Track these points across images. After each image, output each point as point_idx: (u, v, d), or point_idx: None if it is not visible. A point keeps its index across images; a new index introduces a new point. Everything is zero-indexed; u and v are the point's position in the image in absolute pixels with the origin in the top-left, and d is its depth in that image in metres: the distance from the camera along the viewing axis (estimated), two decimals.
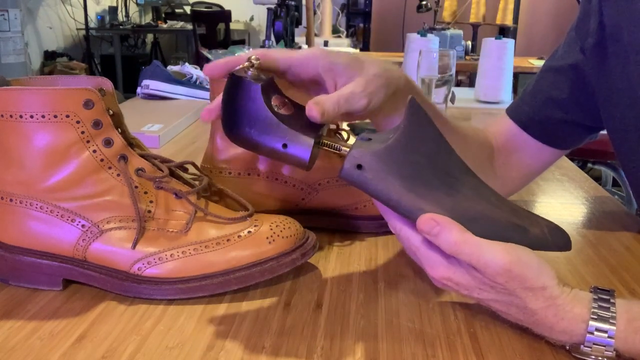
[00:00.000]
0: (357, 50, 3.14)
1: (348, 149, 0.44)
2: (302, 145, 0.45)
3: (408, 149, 0.44)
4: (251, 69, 0.46)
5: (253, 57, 0.46)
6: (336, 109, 0.48)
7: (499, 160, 0.73)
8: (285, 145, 0.45)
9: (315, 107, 0.47)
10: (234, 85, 0.46)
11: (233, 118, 0.46)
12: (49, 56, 4.97)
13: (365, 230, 0.66)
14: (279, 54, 0.52)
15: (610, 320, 0.42)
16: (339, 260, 0.60)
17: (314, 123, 0.47)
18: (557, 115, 0.70)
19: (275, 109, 0.46)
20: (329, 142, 0.47)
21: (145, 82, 1.46)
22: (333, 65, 0.52)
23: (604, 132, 0.71)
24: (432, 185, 0.44)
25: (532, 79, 0.75)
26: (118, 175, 0.52)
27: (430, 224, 0.42)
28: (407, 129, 0.44)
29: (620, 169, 2.04)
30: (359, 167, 0.43)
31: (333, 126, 0.68)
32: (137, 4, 5.75)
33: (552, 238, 0.46)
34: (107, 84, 0.54)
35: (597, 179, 2.26)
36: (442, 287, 0.46)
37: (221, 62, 0.51)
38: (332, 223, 0.66)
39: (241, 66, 0.46)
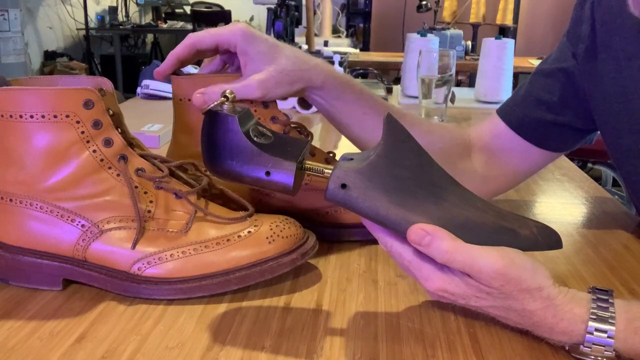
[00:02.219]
0: (357, 50, 3.15)
1: (331, 171, 0.44)
2: (285, 171, 0.46)
3: (390, 164, 0.44)
4: (226, 103, 0.47)
5: (227, 91, 0.47)
6: None
7: (480, 159, 0.74)
8: (268, 173, 0.46)
9: (200, 96, 0.56)
10: (212, 120, 0.47)
11: (214, 153, 0.47)
12: (49, 56, 4.96)
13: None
14: (207, 39, 0.60)
15: (610, 321, 0.42)
16: (339, 261, 0.60)
17: (295, 149, 0.47)
18: (548, 117, 0.70)
19: (255, 139, 0.47)
20: (311, 166, 0.47)
21: (145, 82, 1.46)
22: (248, 49, 0.59)
23: None
24: (418, 197, 0.44)
25: (524, 82, 0.75)
26: (118, 175, 0.52)
27: (420, 234, 0.42)
28: (386, 145, 0.45)
29: None
30: (344, 186, 0.43)
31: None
32: (137, 4, 5.74)
33: (542, 238, 0.46)
34: (107, 84, 0.54)
35: (597, 179, 2.26)
36: (439, 300, 0.46)
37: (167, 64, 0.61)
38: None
39: (216, 102, 0.47)
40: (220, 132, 0.47)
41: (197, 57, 0.64)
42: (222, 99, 0.47)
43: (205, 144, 0.48)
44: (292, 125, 0.65)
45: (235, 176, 0.47)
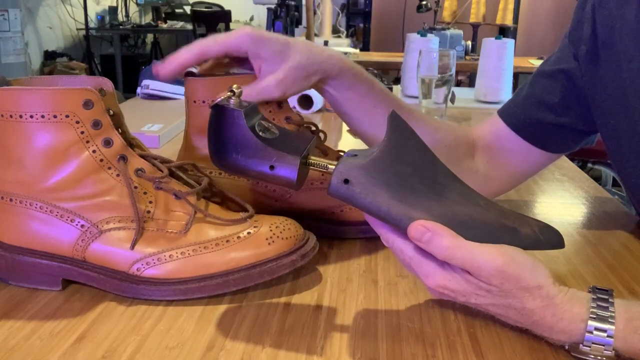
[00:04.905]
0: (357, 50, 3.15)
1: (334, 166, 0.45)
2: (289, 166, 0.46)
3: (393, 160, 0.45)
4: (233, 98, 0.47)
5: (234, 86, 0.48)
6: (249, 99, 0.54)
7: (483, 158, 0.74)
8: (272, 167, 0.46)
9: None
10: (218, 114, 0.48)
11: (220, 146, 0.48)
12: (49, 56, 4.96)
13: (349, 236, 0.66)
14: (215, 47, 0.59)
15: (609, 320, 0.42)
16: (339, 260, 0.60)
17: (299, 144, 0.48)
18: (549, 118, 0.70)
19: (260, 134, 0.47)
20: (315, 161, 0.47)
21: (145, 82, 1.46)
22: (260, 53, 0.59)
23: None
24: (420, 193, 0.44)
25: (525, 83, 0.75)
26: (117, 175, 0.52)
27: (421, 231, 0.42)
28: (390, 141, 0.45)
29: None
30: (346, 181, 0.44)
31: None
32: (137, 4, 5.74)
33: (543, 237, 0.46)
34: (107, 84, 0.54)
35: (597, 179, 2.25)
36: (440, 297, 0.46)
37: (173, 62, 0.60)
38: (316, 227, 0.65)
39: (223, 96, 0.47)
40: (227, 126, 0.47)
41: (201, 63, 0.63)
42: (229, 93, 0.48)
43: (211, 137, 0.48)
44: (306, 125, 0.66)
45: (240, 170, 0.47)
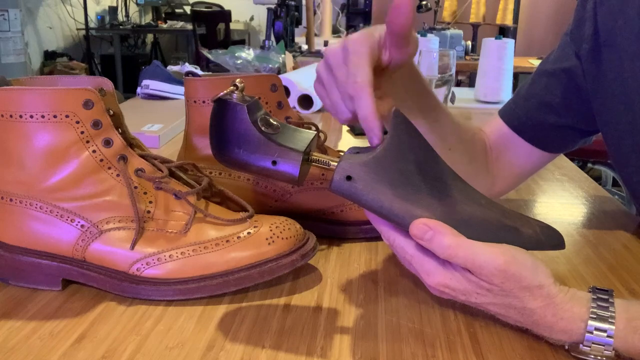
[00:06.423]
0: None
1: (337, 163, 0.44)
2: (291, 161, 0.46)
3: (396, 158, 0.44)
4: (236, 92, 0.47)
5: (237, 80, 0.47)
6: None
7: (490, 158, 0.74)
8: (274, 162, 0.46)
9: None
10: (221, 108, 0.47)
11: (222, 140, 0.47)
12: (49, 56, 4.97)
13: (349, 236, 0.66)
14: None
15: (609, 320, 0.42)
16: (339, 261, 0.60)
17: (302, 140, 0.48)
18: (550, 119, 0.70)
19: (263, 128, 0.47)
20: (318, 157, 0.47)
21: (145, 82, 1.46)
22: None
23: None
24: (422, 192, 0.44)
25: (525, 82, 0.75)
26: (117, 175, 0.52)
27: (423, 229, 0.42)
28: (393, 139, 0.45)
29: None
30: (349, 178, 0.44)
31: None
32: (137, 4, 5.74)
33: (545, 238, 0.46)
34: (107, 84, 0.54)
35: (597, 179, 2.26)
36: (440, 295, 0.46)
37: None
38: (316, 228, 0.65)
39: (226, 91, 0.47)
40: (229, 120, 0.47)
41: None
42: (232, 87, 0.47)
43: (213, 132, 0.48)
44: (306, 125, 0.66)
45: (242, 165, 0.47)
